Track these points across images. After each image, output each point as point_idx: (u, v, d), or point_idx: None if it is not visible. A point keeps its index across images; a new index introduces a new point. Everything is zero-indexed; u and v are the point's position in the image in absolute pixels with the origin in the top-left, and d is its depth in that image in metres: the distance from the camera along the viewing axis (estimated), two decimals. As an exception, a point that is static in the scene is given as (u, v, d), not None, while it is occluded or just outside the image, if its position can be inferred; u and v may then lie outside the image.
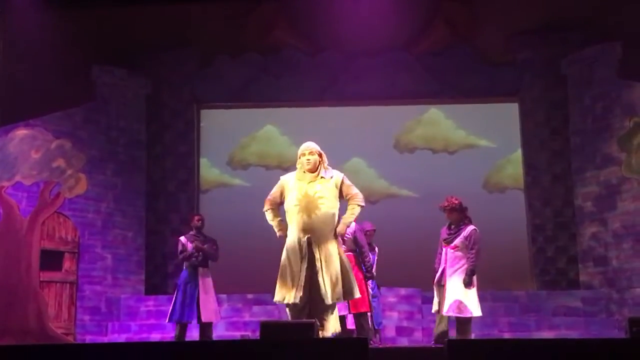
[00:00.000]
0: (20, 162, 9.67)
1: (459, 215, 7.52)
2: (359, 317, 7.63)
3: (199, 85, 11.64)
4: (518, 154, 11.46)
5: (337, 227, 6.23)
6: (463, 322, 7.37)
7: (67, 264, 10.03)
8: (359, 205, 6.34)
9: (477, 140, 11.60)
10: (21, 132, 9.78)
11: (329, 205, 6.19)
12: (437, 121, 11.69)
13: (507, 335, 9.43)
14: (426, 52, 11.45)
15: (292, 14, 11.18)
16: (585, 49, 10.67)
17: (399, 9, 10.66)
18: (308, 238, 6.09)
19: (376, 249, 8.57)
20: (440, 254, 7.55)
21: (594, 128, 10.49)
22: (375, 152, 11.55)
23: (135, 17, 10.48)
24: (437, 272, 7.50)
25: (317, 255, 6.07)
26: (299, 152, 6.45)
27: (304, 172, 6.33)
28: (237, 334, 9.69)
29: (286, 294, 6.07)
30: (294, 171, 6.44)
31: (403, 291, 9.76)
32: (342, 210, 6.36)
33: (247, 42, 11.42)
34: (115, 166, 10.75)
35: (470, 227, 7.49)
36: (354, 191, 6.37)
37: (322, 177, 6.31)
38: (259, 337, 5.29)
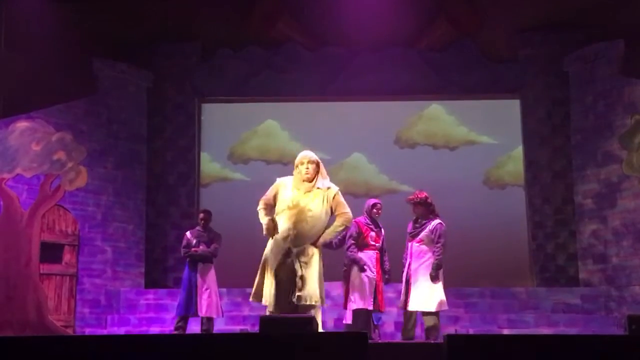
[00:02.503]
0: (20, 155, 9.67)
1: (424, 210, 7.59)
2: (368, 314, 7.70)
3: (201, 79, 11.63)
4: (519, 150, 11.46)
5: (318, 239, 6.37)
6: (429, 317, 7.41)
7: (67, 257, 10.04)
8: (343, 225, 6.49)
9: (478, 137, 11.60)
10: (22, 125, 9.77)
11: (316, 219, 6.32)
12: (439, 117, 11.68)
13: (505, 332, 9.43)
14: (428, 47, 11.45)
15: (295, 8, 11.17)
16: (587, 47, 10.66)
17: (402, 5, 10.65)
18: (288, 249, 6.27)
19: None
20: (407, 248, 7.64)
21: (595, 125, 10.49)
22: (376, 147, 11.55)
23: (137, 10, 10.48)
24: (404, 267, 7.57)
25: (295, 263, 6.26)
26: (298, 159, 6.47)
27: (302, 181, 6.36)
28: (236, 328, 9.70)
29: (264, 297, 6.34)
30: (290, 175, 6.49)
31: (400, 287, 9.73)
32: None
33: (249, 36, 11.42)
34: (115, 159, 10.75)
35: (436, 221, 7.56)
36: (344, 210, 6.46)
37: (318, 188, 6.37)
38: (258, 331, 5.30)
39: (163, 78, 11.46)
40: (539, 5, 10.72)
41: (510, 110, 11.51)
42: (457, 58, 11.37)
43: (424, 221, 7.59)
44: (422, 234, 7.55)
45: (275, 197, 6.44)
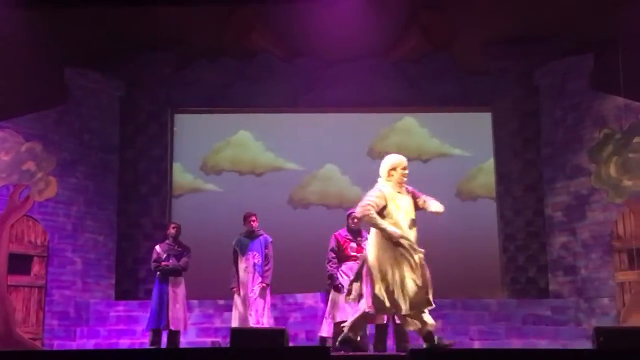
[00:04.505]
0: (-11, 165, 9.53)
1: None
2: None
3: (174, 89, 11.58)
4: (490, 163, 11.55)
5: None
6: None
7: (35, 268, 9.91)
8: None
9: (450, 149, 11.67)
10: (-9, 134, 9.65)
11: (414, 221, 6.25)
12: (411, 129, 11.74)
13: (476, 343, 9.47)
14: (402, 59, 11.51)
15: (269, 19, 11.17)
16: (558, 61, 10.78)
17: (375, 17, 10.68)
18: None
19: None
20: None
21: (565, 139, 10.60)
22: (349, 159, 11.56)
23: (111, 19, 10.39)
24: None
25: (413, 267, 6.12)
26: (397, 163, 6.34)
27: (401, 184, 6.29)
28: (207, 340, 9.63)
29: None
30: (385, 183, 6.30)
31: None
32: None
33: (223, 47, 11.39)
34: (86, 169, 10.65)
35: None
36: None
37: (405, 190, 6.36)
38: (229, 344, 5.28)
39: (136, 87, 11.39)
40: (510, 19, 10.81)
41: (482, 122, 11.60)
42: (429, 70, 11.44)
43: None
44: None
45: (385, 205, 6.21)
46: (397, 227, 6.10)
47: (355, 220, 7.86)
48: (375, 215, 6.11)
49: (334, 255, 7.83)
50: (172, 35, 11.07)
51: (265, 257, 8.48)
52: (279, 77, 11.46)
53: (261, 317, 8.33)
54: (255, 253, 8.50)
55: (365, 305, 6.14)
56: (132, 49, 11.21)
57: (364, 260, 6.25)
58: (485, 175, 11.57)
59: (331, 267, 7.79)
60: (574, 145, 10.44)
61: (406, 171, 6.29)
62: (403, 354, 6.70)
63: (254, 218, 8.59)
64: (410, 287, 6.05)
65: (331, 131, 11.56)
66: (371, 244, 6.21)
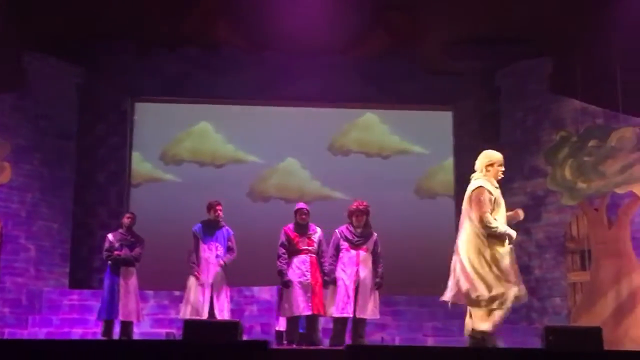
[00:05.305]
0: (-59, 150, 9.32)
1: (367, 219, 7.81)
2: (313, 319, 7.78)
3: (135, 77, 11.45)
4: (450, 161, 11.67)
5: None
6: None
7: (-13, 255, 9.74)
8: None
9: (410, 146, 11.76)
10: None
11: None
12: (372, 126, 11.81)
13: (430, 340, 9.57)
14: (365, 56, 11.54)
15: (233, 11, 11.10)
16: (519, 63, 10.90)
17: (340, 13, 10.70)
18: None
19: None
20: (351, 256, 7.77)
21: (524, 140, 10.74)
22: (309, 153, 11.59)
23: (73, 4, 10.22)
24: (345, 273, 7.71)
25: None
26: (494, 159, 6.29)
27: (497, 180, 6.29)
28: (162, 331, 9.57)
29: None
30: (482, 178, 6.27)
31: (331, 293, 9.77)
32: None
33: (186, 36, 11.29)
34: (42, 156, 10.49)
35: (374, 233, 7.86)
36: None
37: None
38: (181, 336, 5.26)
39: (96, 74, 11.23)
40: (473, 20, 10.91)
41: (442, 121, 11.72)
42: (392, 68, 11.50)
43: (367, 230, 7.75)
44: (369, 243, 7.73)
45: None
46: (501, 219, 6.21)
47: (304, 216, 7.92)
48: (496, 226, 6.14)
49: (284, 250, 7.84)
50: (134, 22, 10.93)
51: (229, 249, 8.37)
52: (242, 69, 11.41)
53: (223, 309, 8.25)
54: (217, 244, 8.30)
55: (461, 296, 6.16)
56: (94, 36, 11.05)
57: (458, 258, 6.24)
58: (445, 173, 11.69)
59: (281, 262, 7.81)
60: (532, 147, 10.58)
61: (503, 168, 6.32)
62: (339, 348, 6.80)
63: (220, 207, 8.38)
64: (502, 282, 6.10)
65: (292, 125, 11.57)
66: (466, 242, 6.20)
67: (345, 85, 11.40)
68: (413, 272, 10.82)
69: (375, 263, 7.79)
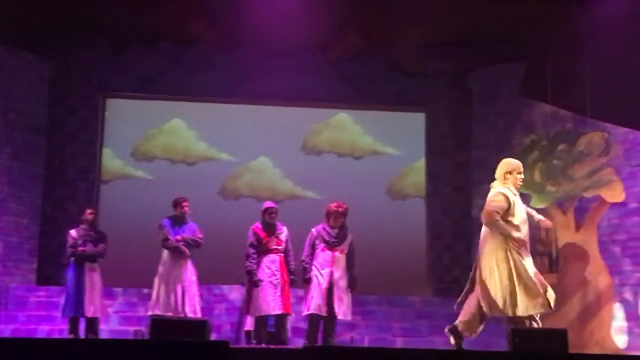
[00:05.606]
0: None
1: (344, 220, 7.88)
2: (283, 318, 7.79)
3: (107, 73, 11.36)
4: (422, 162, 11.72)
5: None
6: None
7: (-47, 250, 9.59)
8: None
9: (382, 147, 11.81)
10: None
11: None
12: (345, 126, 11.83)
13: (399, 340, 9.63)
14: (339, 56, 11.56)
15: (208, 8, 11.05)
16: (491, 66, 10.99)
17: (314, 12, 10.70)
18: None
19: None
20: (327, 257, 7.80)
21: (495, 143, 10.83)
22: (282, 152, 11.58)
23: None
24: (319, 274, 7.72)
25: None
26: (512, 167, 6.34)
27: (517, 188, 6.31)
28: (130, 329, 9.49)
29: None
30: (502, 185, 6.28)
31: (301, 292, 9.78)
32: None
33: (160, 32, 11.22)
34: (11, 150, 10.35)
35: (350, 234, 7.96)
36: None
37: None
38: (148, 334, 5.24)
39: (68, 69, 11.12)
40: (448, 23, 10.97)
41: (415, 122, 11.77)
42: (366, 68, 11.54)
43: (343, 232, 7.82)
44: (344, 245, 7.79)
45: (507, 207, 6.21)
46: (523, 226, 6.18)
47: (273, 215, 7.93)
48: (502, 222, 6.12)
49: (253, 250, 7.86)
50: (107, 17, 10.83)
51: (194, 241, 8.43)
52: (215, 67, 11.37)
53: (194, 306, 8.25)
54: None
55: (485, 306, 6.20)
56: (66, 30, 10.93)
57: (477, 264, 6.28)
58: (416, 174, 11.74)
59: (251, 262, 7.82)
60: (502, 150, 10.64)
61: (522, 176, 6.37)
62: (298, 348, 6.85)
63: (186, 203, 8.47)
64: (523, 289, 6.10)
65: (265, 124, 11.55)
66: (487, 249, 6.20)
67: (319, 85, 11.41)
68: (383, 272, 10.85)
69: (349, 264, 7.82)
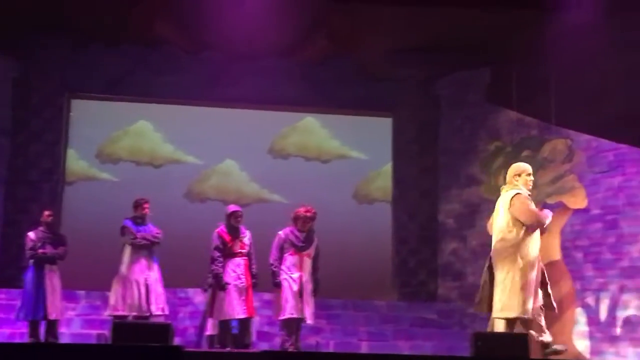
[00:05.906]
0: None
1: (312, 225, 7.96)
2: (246, 322, 7.79)
3: (72, 73, 11.22)
4: (388, 167, 11.77)
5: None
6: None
7: None
8: None
9: (349, 151, 11.84)
10: None
11: None
12: (312, 129, 11.85)
13: (364, 344, 9.64)
14: (306, 60, 11.55)
15: (174, 10, 10.97)
16: (458, 72, 11.10)
17: (282, 16, 10.68)
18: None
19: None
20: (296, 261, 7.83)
21: (461, 149, 10.93)
22: (249, 155, 11.55)
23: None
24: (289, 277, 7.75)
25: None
26: (522, 169, 6.39)
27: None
28: (93, 332, 9.37)
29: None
30: (514, 187, 6.30)
31: (266, 296, 9.75)
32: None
33: (127, 33, 11.09)
34: (-27, 151, 10.19)
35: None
36: None
37: None
38: (110, 338, 5.18)
39: (32, 69, 10.97)
40: (415, 29, 11.02)
41: (382, 127, 11.81)
42: (333, 73, 11.55)
43: (311, 235, 7.88)
44: (311, 249, 7.86)
45: None
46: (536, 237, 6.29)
47: (239, 218, 7.93)
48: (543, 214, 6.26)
49: (219, 254, 7.84)
50: (72, 16, 10.68)
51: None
52: (182, 69, 11.30)
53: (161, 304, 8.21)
54: None
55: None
56: (30, 29, 10.77)
57: (490, 266, 6.38)
58: (383, 179, 11.79)
59: (217, 266, 7.79)
60: (468, 155, 10.77)
61: (531, 177, 6.40)
62: (255, 352, 6.87)
63: (147, 205, 8.43)
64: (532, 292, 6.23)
65: (232, 127, 11.51)
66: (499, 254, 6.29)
67: (286, 89, 11.39)
68: (349, 276, 10.87)
69: (314, 268, 7.83)
